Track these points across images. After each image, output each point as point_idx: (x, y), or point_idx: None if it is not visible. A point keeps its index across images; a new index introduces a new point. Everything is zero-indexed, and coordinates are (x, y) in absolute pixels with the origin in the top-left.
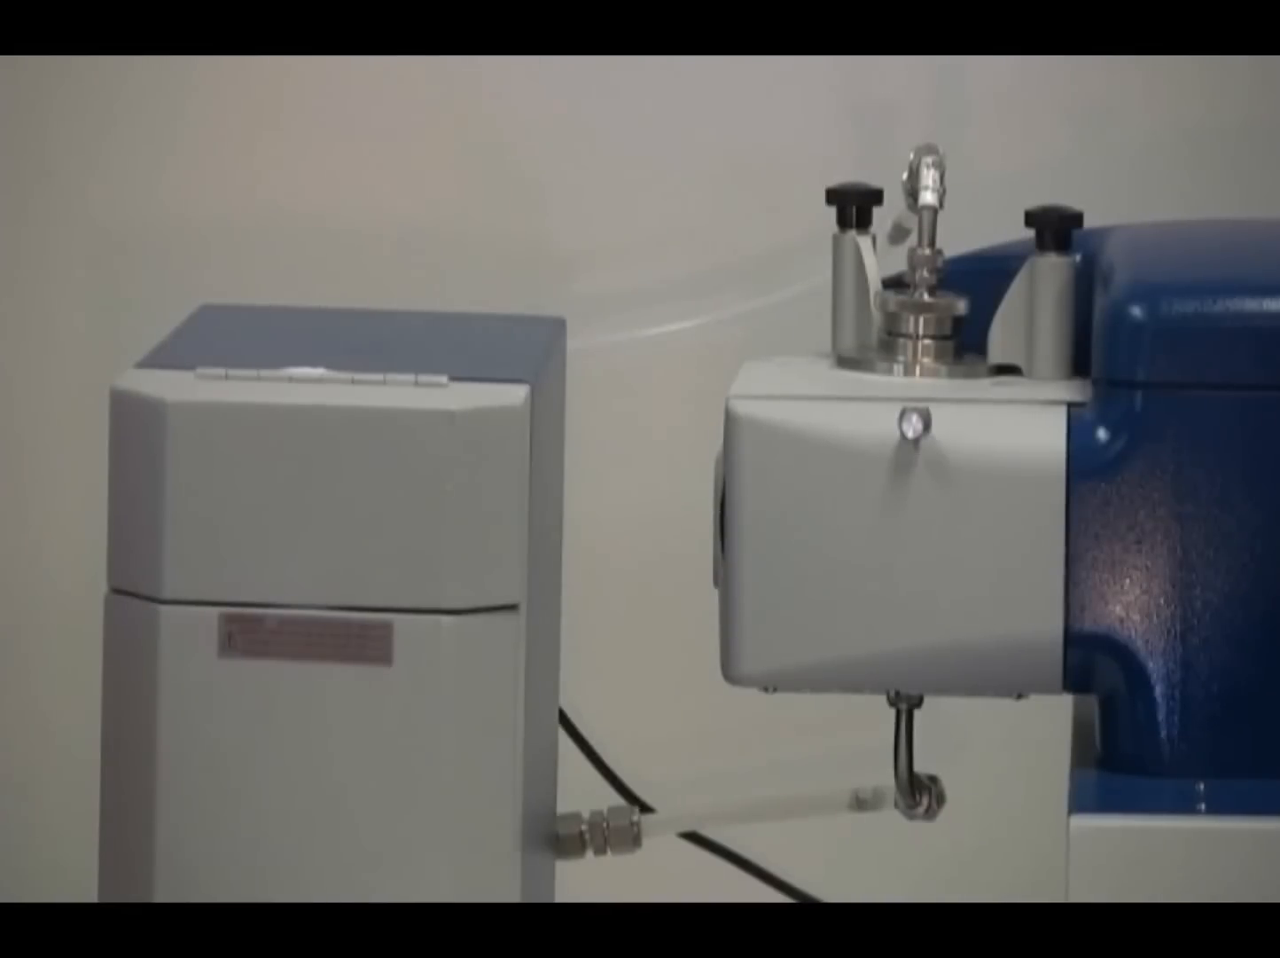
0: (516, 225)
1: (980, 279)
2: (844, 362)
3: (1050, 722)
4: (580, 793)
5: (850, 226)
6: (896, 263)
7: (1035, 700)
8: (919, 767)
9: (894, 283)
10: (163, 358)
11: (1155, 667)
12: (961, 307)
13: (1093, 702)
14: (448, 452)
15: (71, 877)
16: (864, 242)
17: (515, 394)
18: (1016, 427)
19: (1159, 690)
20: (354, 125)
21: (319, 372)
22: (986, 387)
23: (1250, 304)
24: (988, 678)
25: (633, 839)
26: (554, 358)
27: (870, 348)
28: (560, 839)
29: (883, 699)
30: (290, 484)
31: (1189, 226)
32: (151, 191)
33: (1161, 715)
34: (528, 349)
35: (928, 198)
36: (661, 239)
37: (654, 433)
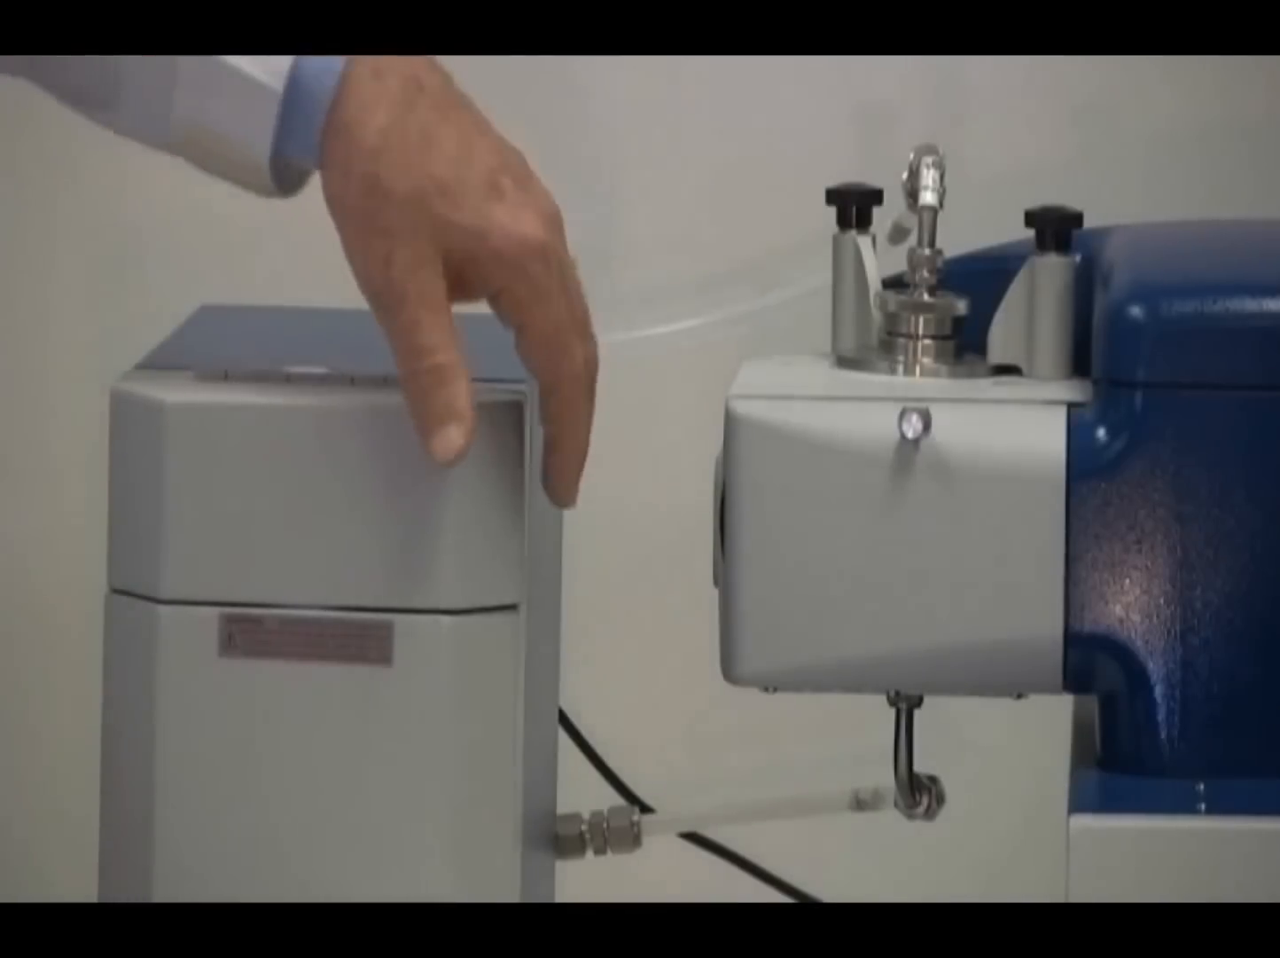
0: None
1: (980, 279)
2: (844, 362)
3: (1050, 722)
4: (580, 793)
5: (850, 226)
6: (896, 263)
7: (1035, 700)
8: (919, 767)
9: (894, 283)
10: (163, 358)
11: (1155, 667)
12: (961, 307)
13: (1093, 702)
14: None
15: (71, 877)
16: (864, 241)
17: (515, 394)
18: (1016, 427)
19: (1159, 691)
20: None
21: (319, 371)
22: (986, 387)
23: (1250, 304)
24: (988, 678)
25: (633, 839)
26: None
27: (870, 348)
28: (560, 839)
29: (883, 699)
30: (290, 484)
31: (1189, 227)
32: (152, 191)
33: (1161, 716)
34: None
35: (928, 198)
36: (661, 239)
37: (654, 433)
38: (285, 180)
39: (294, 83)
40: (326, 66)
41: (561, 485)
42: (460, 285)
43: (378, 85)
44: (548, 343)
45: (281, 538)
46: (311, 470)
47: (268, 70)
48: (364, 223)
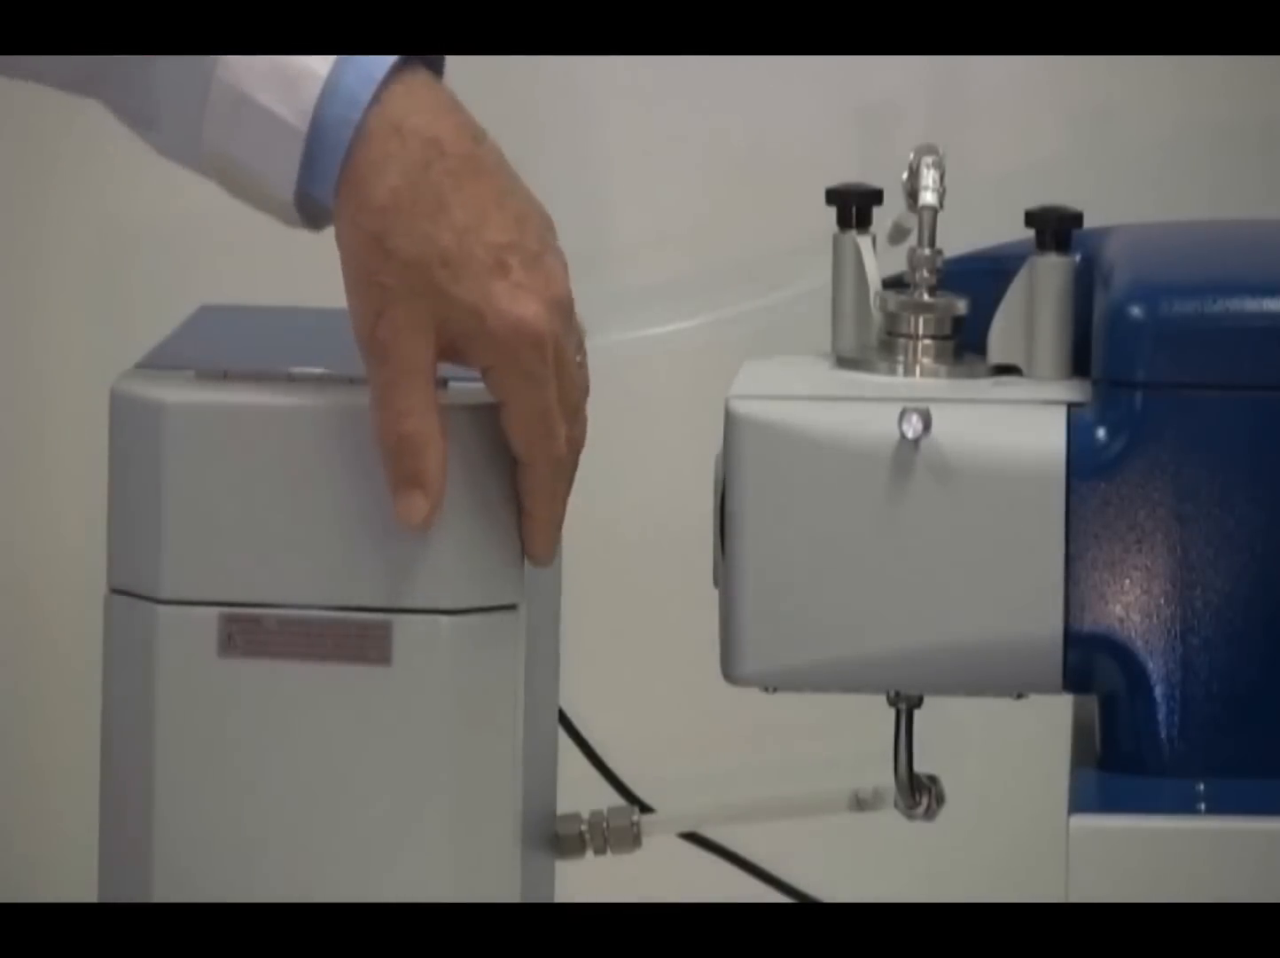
0: None
1: (980, 279)
2: (844, 362)
3: (1050, 722)
4: (580, 793)
5: (850, 226)
6: (896, 263)
7: (1035, 700)
8: (919, 767)
9: (894, 283)
10: (162, 358)
11: (1155, 667)
12: (961, 307)
13: (1093, 702)
14: (447, 450)
15: (72, 877)
16: (864, 242)
17: None
18: (1016, 427)
19: (1159, 691)
20: None
21: (319, 371)
22: (986, 387)
23: (1250, 304)
24: (988, 678)
25: (633, 839)
26: None
27: (870, 348)
28: (560, 839)
29: (883, 699)
30: (290, 484)
31: (1189, 227)
32: (152, 191)
33: (1161, 715)
34: None
35: (928, 198)
36: (661, 239)
37: (654, 433)
38: (313, 217)
39: (316, 125)
40: (345, 117)
41: (534, 548)
42: (453, 353)
43: (396, 143)
44: (529, 426)
45: (281, 538)
46: (311, 470)
47: (293, 109)
48: (364, 276)
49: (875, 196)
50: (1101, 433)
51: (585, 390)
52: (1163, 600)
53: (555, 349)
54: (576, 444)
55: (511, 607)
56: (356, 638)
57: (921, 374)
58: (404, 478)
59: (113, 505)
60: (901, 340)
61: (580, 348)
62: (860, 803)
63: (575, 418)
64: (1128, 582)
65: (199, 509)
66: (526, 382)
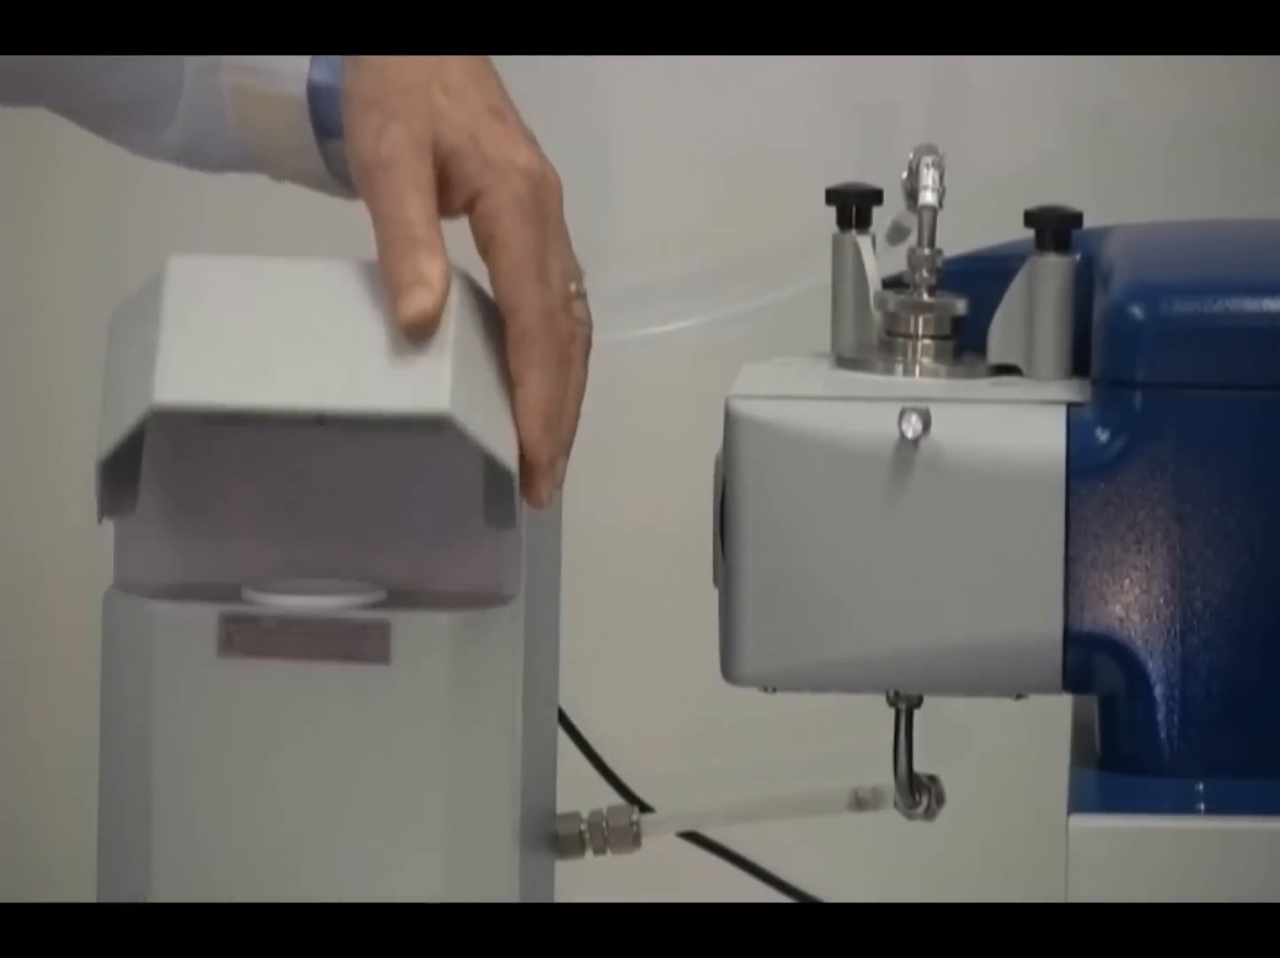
0: None
1: (980, 279)
2: (844, 362)
3: (1050, 722)
4: (580, 793)
5: (850, 227)
6: (896, 263)
7: (1035, 700)
8: (919, 767)
9: (894, 283)
10: None
11: (1155, 667)
12: (961, 307)
13: (1093, 702)
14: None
15: (72, 877)
16: (864, 242)
17: None
18: (1016, 427)
19: (1159, 690)
20: None
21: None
22: (986, 387)
23: (1250, 304)
24: (988, 678)
25: (632, 839)
26: None
27: (870, 348)
28: (560, 839)
29: (883, 699)
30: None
31: (1189, 227)
32: (152, 189)
33: (1161, 716)
34: None
35: (927, 198)
36: (661, 239)
37: (654, 433)
38: (339, 167)
39: None
40: None
41: (528, 441)
42: (444, 185)
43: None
44: (517, 265)
45: (274, 348)
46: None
47: None
48: (365, 102)
49: (875, 196)
50: (1101, 433)
51: (586, 314)
52: (1163, 600)
53: (542, 208)
54: (575, 337)
55: (509, 602)
56: (355, 636)
57: (921, 374)
58: (409, 278)
59: (106, 384)
60: (901, 340)
61: (578, 281)
62: (860, 803)
63: (568, 309)
64: (1128, 582)
65: (196, 322)
66: (515, 212)
